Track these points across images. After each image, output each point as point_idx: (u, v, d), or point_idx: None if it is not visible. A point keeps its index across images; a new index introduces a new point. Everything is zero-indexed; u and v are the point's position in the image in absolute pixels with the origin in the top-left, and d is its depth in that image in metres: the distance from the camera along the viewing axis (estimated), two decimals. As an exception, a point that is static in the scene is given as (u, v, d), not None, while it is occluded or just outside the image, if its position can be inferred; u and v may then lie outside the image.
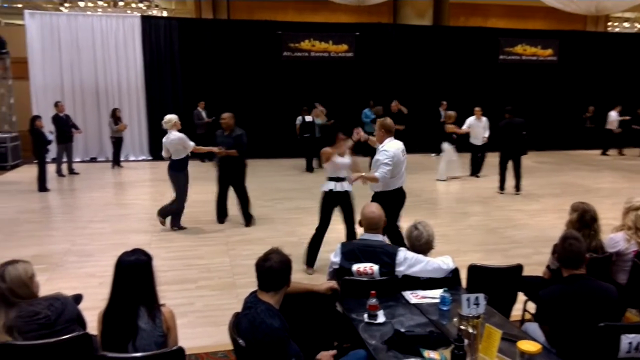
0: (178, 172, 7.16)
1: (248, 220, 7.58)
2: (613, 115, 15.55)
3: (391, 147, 5.31)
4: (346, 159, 5.58)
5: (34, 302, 2.68)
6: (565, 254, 2.99)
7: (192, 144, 7.12)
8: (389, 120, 5.48)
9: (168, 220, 7.39)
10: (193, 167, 13.02)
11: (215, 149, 7.47)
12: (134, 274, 2.60)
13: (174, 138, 6.95)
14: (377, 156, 5.34)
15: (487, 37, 16.49)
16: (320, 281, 3.42)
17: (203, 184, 10.93)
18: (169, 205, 7.33)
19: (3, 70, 13.80)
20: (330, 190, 5.57)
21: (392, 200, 5.35)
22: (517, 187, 9.83)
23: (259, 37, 14.83)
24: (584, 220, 3.85)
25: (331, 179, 5.61)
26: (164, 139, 7.11)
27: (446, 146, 11.37)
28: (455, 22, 18.18)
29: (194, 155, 13.84)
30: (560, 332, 2.84)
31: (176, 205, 7.27)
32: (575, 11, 14.91)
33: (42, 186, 10.03)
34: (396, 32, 16.04)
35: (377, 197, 5.31)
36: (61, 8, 16.63)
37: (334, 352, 2.83)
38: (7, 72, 13.84)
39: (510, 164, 9.71)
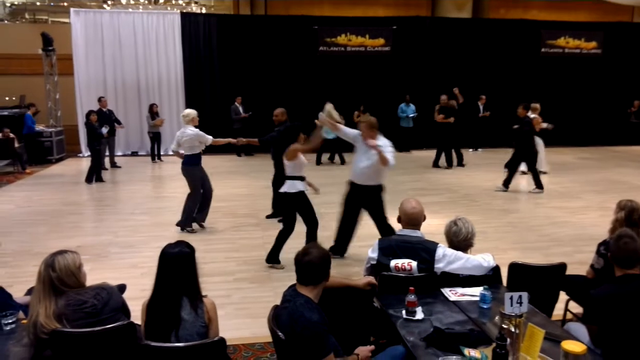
0: (192, 166, 6.96)
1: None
2: None
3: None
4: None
5: (82, 291, 2.77)
6: (620, 253, 2.89)
7: (209, 137, 6.94)
8: (374, 119, 5.56)
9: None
10: (229, 161, 13.27)
11: (233, 140, 7.45)
12: (177, 266, 2.66)
13: (191, 133, 6.80)
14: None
15: (528, 30, 16.07)
16: (357, 276, 3.41)
17: (238, 177, 11.10)
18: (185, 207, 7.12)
19: (49, 67, 14.27)
20: (302, 192, 5.51)
21: (381, 193, 5.61)
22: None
23: (296, 32, 14.87)
24: (632, 219, 3.71)
25: (297, 177, 5.51)
26: (178, 133, 7.01)
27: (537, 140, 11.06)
28: (495, 14, 17.76)
29: (231, 149, 14.10)
30: (609, 333, 2.76)
31: (190, 203, 7.06)
32: (621, 2, 14.40)
33: (91, 178, 10.48)
34: (434, 25, 15.81)
35: (373, 190, 5.56)
36: (104, 5, 17.06)
37: (372, 347, 2.82)
38: (53, 69, 14.32)
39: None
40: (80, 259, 2.85)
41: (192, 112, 7.06)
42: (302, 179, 5.57)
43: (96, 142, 10.51)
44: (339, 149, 12.81)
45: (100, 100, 12.14)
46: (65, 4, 16.02)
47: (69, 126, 14.34)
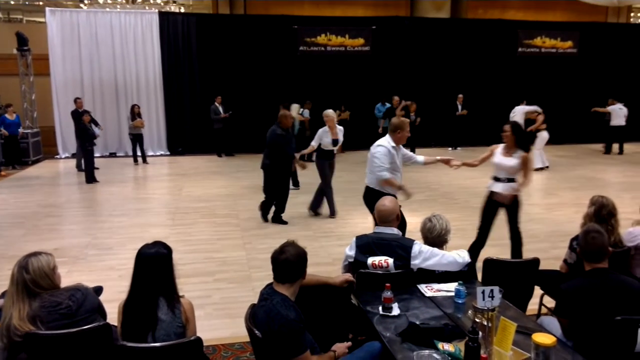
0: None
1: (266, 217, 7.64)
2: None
3: None
4: None
5: (56, 293, 2.74)
6: (588, 247, 2.96)
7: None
8: None
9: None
10: (210, 162, 13.21)
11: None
12: (154, 266, 2.65)
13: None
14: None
15: (505, 30, 16.30)
16: (335, 274, 3.44)
17: (219, 178, 11.05)
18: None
19: (25, 67, 14.04)
20: None
21: None
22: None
23: (275, 32, 14.86)
24: (601, 214, 3.79)
25: None
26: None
27: (545, 135, 11.75)
28: (473, 14, 17.97)
29: (212, 150, 14.02)
30: (579, 325, 2.82)
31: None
32: (596, 2, 14.67)
33: (90, 177, 10.60)
34: (413, 25, 15.94)
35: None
36: (81, 5, 16.83)
37: (348, 343, 2.85)
38: (28, 69, 14.09)
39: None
40: (55, 261, 2.82)
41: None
42: None
43: (88, 142, 10.57)
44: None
45: (76, 101, 11.98)
46: (41, 3, 15.78)
47: (45, 127, 14.13)
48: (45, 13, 13.90)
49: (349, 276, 3.28)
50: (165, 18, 14.52)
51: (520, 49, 16.49)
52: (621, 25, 18.88)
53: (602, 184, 10.07)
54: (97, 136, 11.16)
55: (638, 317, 2.72)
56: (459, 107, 14.94)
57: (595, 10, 18.54)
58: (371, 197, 5.04)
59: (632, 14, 20.62)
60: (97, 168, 12.17)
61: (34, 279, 2.69)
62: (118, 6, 17.44)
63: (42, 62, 13.86)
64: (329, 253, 6.06)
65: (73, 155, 12.91)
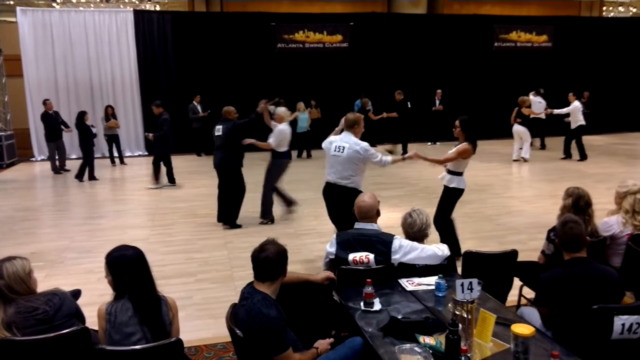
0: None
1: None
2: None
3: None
4: None
5: (32, 298, 2.70)
6: (566, 237, 3.00)
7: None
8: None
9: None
10: (190, 161, 13.09)
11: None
12: (123, 269, 2.66)
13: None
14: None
15: (481, 25, 16.47)
16: (316, 272, 3.44)
17: (198, 177, 10.95)
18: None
19: (-4, 68, 13.75)
20: None
21: None
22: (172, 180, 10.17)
23: (253, 29, 14.77)
24: (579, 205, 3.85)
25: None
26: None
27: (521, 128, 11.98)
28: (449, 10, 18.12)
29: (191, 149, 13.90)
30: (559, 314, 2.87)
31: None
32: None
33: (92, 174, 10.80)
34: (391, 21, 16.00)
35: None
36: (53, 4, 16.49)
37: (331, 340, 2.85)
38: (0, 70, 13.78)
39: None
40: (30, 265, 2.78)
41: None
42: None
43: (90, 141, 10.74)
44: (308, 144, 13.04)
45: (45, 102, 11.76)
46: (12, 2, 15.40)
47: (19, 129, 13.85)
48: (17, 13, 13.59)
49: (330, 273, 3.28)
50: (141, 16, 14.32)
51: (496, 44, 16.69)
52: (594, 19, 19.22)
53: (577, 175, 10.24)
54: (96, 135, 11.34)
55: (613, 305, 2.77)
56: (437, 102, 15.06)
57: (568, 4, 18.86)
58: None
59: (604, 8, 21.00)
60: (69, 170, 11.93)
61: (8, 284, 2.64)
62: (92, 5, 17.13)
63: (14, 63, 13.58)
64: (310, 250, 6.06)
65: (49, 158, 12.66)
